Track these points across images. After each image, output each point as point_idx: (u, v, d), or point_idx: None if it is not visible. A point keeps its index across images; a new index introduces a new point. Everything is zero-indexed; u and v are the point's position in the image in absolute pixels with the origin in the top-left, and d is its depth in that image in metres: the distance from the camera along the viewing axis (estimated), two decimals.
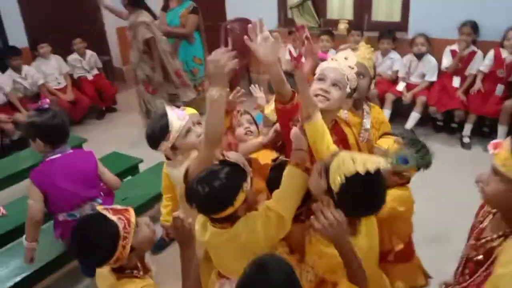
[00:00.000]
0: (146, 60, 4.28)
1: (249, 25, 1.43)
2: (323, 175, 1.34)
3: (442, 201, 3.12)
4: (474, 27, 4.03)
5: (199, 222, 1.54)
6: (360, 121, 1.96)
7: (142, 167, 3.37)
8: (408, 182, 1.83)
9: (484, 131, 4.18)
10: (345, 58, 1.66)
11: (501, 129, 3.88)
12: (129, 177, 3.27)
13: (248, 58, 5.56)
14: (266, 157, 1.82)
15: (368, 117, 1.96)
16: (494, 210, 1.31)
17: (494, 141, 1.23)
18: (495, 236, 1.23)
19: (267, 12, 5.40)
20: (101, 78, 5.53)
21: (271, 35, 1.46)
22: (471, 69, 4.11)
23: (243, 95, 1.94)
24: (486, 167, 1.24)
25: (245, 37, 1.44)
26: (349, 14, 5.03)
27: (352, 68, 1.70)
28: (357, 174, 1.26)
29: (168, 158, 2.00)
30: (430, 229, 2.73)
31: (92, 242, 1.38)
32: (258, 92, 2.34)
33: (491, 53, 3.96)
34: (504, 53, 3.89)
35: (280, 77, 1.53)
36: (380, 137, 1.87)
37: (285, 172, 1.51)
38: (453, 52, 4.17)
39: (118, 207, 1.47)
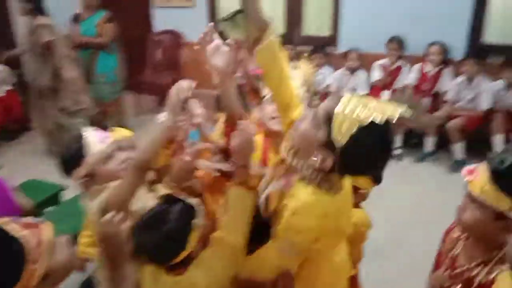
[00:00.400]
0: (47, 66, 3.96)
1: (200, 34, 1.35)
2: (322, 126, 1.10)
3: (378, 213, 3.12)
4: (400, 42, 4.17)
5: (147, 276, 1.29)
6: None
7: (65, 196, 2.99)
8: (364, 199, 1.75)
9: (413, 142, 4.33)
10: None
11: (429, 140, 4.03)
12: (50, 208, 2.89)
13: (179, 70, 5.36)
14: (215, 202, 1.63)
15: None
16: (464, 237, 1.24)
17: (468, 167, 1.16)
18: (473, 265, 1.16)
19: (196, 25, 5.17)
20: (13, 95, 4.98)
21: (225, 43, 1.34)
22: (399, 83, 4.25)
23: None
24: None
25: (196, 47, 1.36)
26: (280, 27, 5.01)
27: (302, 87, 1.65)
28: (373, 123, 1.02)
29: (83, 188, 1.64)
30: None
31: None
32: (197, 108, 2.06)
33: (416, 67, 4.12)
34: (427, 67, 4.07)
35: (231, 92, 1.41)
36: None
37: (229, 195, 1.36)
38: (382, 66, 4.29)
39: (29, 220, 1.10)
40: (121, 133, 2.00)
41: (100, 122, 4.45)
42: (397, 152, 4.15)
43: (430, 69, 4.05)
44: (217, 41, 1.34)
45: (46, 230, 1.07)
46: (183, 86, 1.35)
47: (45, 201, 2.85)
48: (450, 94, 3.96)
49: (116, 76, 4.52)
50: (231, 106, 1.46)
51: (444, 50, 4.00)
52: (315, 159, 1.13)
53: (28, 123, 5.09)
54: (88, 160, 1.50)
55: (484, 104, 3.77)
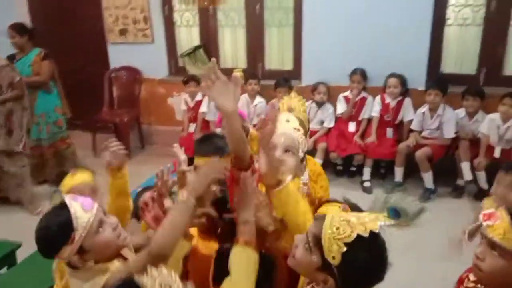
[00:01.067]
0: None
1: (207, 67, 1.30)
2: (314, 249, 1.13)
3: None
4: (363, 74, 4.21)
5: None
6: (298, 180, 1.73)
7: (21, 254, 2.59)
8: None
9: (381, 172, 4.31)
10: (287, 121, 1.53)
11: (398, 170, 4.02)
12: (4, 270, 2.55)
13: (138, 107, 5.16)
14: (207, 247, 1.46)
15: (305, 170, 1.75)
16: (480, 286, 1.13)
17: (487, 211, 1.06)
18: None
19: (156, 60, 5.10)
20: None
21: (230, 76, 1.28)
22: (364, 114, 4.26)
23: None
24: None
25: (203, 84, 1.29)
26: (242, 63, 4.96)
27: (298, 130, 1.60)
28: (359, 237, 1.08)
29: (72, 267, 1.38)
30: None
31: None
32: (181, 153, 1.87)
33: (378, 99, 4.15)
34: (388, 99, 4.11)
35: (241, 132, 1.31)
36: (321, 204, 1.64)
37: (233, 255, 1.25)
38: (346, 98, 4.30)
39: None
40: (82, 176, 1.80)
41: (41, 166, 4.28)
42: (366, 185, 4.10)
43: (390, 100, 4.09)
44: (223, 77, 1.26)
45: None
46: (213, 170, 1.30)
47: None
48: (415, 124, 4.00)
49: (58, 115, 4.30)
50: (238, 148, 1.35)
51: (403, 81, 4.07)
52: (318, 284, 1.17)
53: None
54: (77, 235, 1.28)
55: (449, 132, 3.82)
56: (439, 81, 3.90)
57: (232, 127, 1.29)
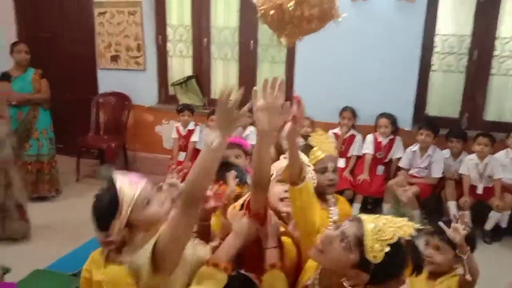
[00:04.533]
0: None
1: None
2: (354, 248, 1.24)
3: None
4: (353, 112, 4.34)
5: None
6: (326, 214, 1.76)
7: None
8: None
9: (368, 208, 4.39)
10: None
11: (386, 207, 4.11)
12: None
13: (124, 134, 5.09)
14: None
15: (335, 209, 1.79)
16: None
17: None
18: None
19: (145, 88, 5.09)
20: None
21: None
22: (353, 151, 4.37)
23: None
24: None
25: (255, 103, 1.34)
26: (233, 95, 5.00)
27: (309, 166, 1.68)
28: (399, 240, 1.23)
29: (117, 250, 1.38)
30: None
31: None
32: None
33: (370, 137, 4.28)
34: (380, 137, 4.25)
35: (268, 154, 1.40)
36: None
37: (267, 278, 1.42)
38: (336, 135, 4.40)
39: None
40: None
41: (37, 182, 4.26)
42: None
43: (382, 139, 4.23)
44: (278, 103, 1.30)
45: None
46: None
47: None
48: (404, 162, 4.13)
49: (52, 133, 4.44)
50: (261, 167, 1.40)
51: (393, 121, 4.22)
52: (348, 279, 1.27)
53: None
54: (123, 210, 1.31)
55: (438, 172, 3.97)
56: (431, 123, 4.07)
57: (263, 145, 1.36)
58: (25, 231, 3.58)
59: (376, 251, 1.21)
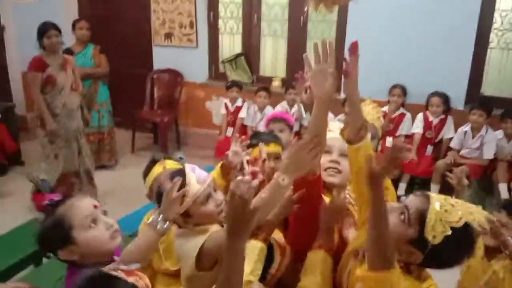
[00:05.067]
0: None
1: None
2: (413, 222, 1.17)
3: None
4: (403, 90, 4.28)
5: None
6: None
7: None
8: None
9: (415, 189, 4.35)
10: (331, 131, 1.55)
11: (434, 188, 4.05)
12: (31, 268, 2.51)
13: (176, 109, 5.29)
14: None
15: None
16: None
17: None
18: None
19: (197, 65, 5.24)
20: (1, 128, 4.73)
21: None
22: (402, 130, 4.31)
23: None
24: None
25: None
26: (281, 71, 5.07)
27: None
28: (466, 225, 1.13)
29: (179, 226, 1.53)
30: None
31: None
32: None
33: (421, 116, 4.21)
34: (431, 116, 4.17)
35: (325, 120, 1.35)
36: None
37: (309, 258, 1.40)
38: (384, 113, 4.35)
39: (124, 267, 1.11)
40: (172, 164, 1.87)
41: (99, 151, 4.63)
42: (402, 199, 4.13)
43: (433, 118, 4.14)
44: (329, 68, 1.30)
45: (145, 277, 1.11)
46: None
47: (21, 262, 2.45)
48: (455, 143, 4.05)
49: (111, 106, 4.74)
50: (318, 130, 1.33)
51: (446, 100, 4.12)
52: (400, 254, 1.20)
53: (19, 157, 4.85)
54: (186, 201, 1.40)
55: (489, 153, 3.87)
56: (484, 103, 3.95)
57: (320, 112, 1.32)
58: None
59: (437, 231, 1.12)
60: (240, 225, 1.03)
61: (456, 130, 4.11)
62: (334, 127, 1.64)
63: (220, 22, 5.16)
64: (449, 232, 1.12)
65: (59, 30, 3.66)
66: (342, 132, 1.41)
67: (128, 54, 5.52)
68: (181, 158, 1.80)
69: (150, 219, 1.43)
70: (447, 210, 1.14)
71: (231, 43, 5.23)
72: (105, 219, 1.37)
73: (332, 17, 4.71)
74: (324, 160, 1.57)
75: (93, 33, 4.68)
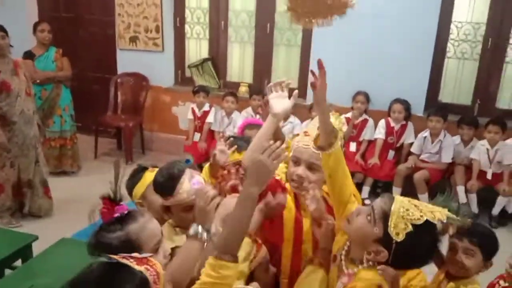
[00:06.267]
0: None
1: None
2: (378, 222, 1.25)
3: None
4: (366, 96, 4.41)
5: None
6: None
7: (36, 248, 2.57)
8: None
9: (378, 192, 4.48)
10: (307, 135, 1.65)
11: (396, 191, 4.19)
12: (19, 265, 2.49)
13: (141, 114, 5.22)
14: None
15: None
16: None
17: None
18: None
19: (163, 69, 5.19)
20: None
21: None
22: (365, 135, 4.45)
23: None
24: None
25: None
26: (248, 77, 5.11)
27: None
28: (427, 223, 1.20)
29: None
30: None
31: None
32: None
33: (383, 122, 4.35)
34: (392, 122, 4.32)
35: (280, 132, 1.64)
36: None
37: (312, 276, 1.48)
38: (347, 119, 4.48)
39: (138, 255, 1.10)
40: None
41: (59, 158, 4.46)
42: (365, 202, 4.26)
43: (394, 124, 4.30)
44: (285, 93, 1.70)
45: (158, 264, 1.11)
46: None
47: (13, 255, 2.47)
48: (415, 147, 4.21)
49: (73, 110, 4.62)
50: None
51: (407, 107, 4.28)
52: (369, 254, 1.28)
53: None
54: (172, 199, 1.47)
55: (448, 157, 4.05)
56: (440, 109, 4.14)
57: (273, 126, 1.66)
58: (49, 208, 3.74)
59: (399, 229, 1.20)
60: (260, 177, 1.20)
61: (416, 135, 4.29)
62: (310, 130, 1.69)
63: (187, 27, 5.15)
64: (411, 229, 1.19)
65: (5, 31, 3.46)
66: (315, 141, 1.48)
67: (91, 57, 5.41)
68: (187, 161, 1.79)
69: (191, 232, 1.38)
70: (409, 209, 1.22)
71: (197, 48, 5.22)
72: (165, 246, 1.35)
73: (298, 26, 4.79)
74: (291, 171, 1.63)
75: (55, 36, 4.55)
